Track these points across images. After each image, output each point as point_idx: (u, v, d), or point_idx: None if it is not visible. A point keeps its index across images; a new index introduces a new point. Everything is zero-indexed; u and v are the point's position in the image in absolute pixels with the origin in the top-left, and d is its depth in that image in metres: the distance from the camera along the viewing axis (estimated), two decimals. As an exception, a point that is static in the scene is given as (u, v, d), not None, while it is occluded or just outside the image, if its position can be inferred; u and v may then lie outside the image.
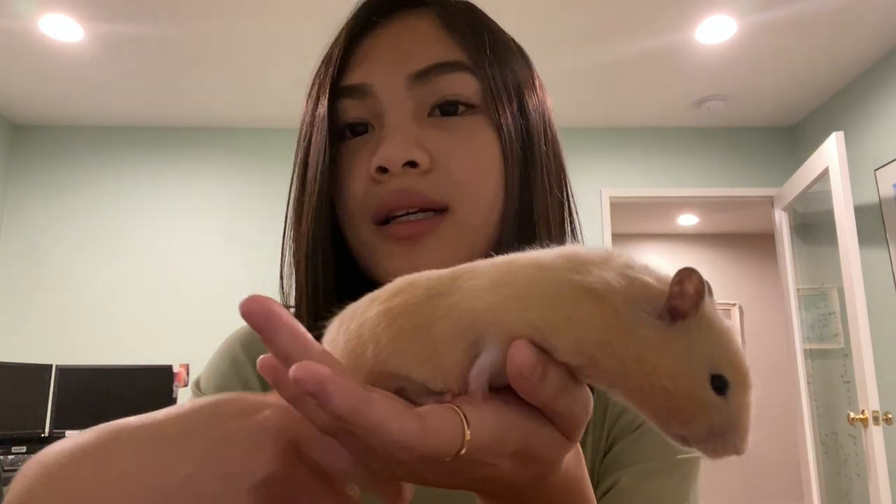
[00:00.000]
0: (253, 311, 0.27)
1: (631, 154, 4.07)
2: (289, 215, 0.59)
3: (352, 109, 0.55)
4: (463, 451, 0.28)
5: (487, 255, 0.33)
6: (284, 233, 0.59)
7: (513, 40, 0.61)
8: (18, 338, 3.76)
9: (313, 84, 0.59)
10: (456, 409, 0.28)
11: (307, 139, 0.57)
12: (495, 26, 0.60)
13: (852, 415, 2.78)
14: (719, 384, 0.28)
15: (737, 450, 0.29)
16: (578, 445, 0.38)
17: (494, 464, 0.30)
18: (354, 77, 0.56)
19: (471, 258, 0.34)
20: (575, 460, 0.37)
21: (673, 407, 0.29)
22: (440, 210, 0.53)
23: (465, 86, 0.54)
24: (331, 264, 0.55)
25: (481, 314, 0.29)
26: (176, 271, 3.88)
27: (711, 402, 0.28)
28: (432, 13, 0.58)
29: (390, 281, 0.34)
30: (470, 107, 0.55)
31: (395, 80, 0.54)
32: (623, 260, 0.30)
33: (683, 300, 0.28)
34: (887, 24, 3.01)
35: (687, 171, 4.05)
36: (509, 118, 0.55)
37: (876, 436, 2.64)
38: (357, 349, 0.32)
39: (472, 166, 0.54)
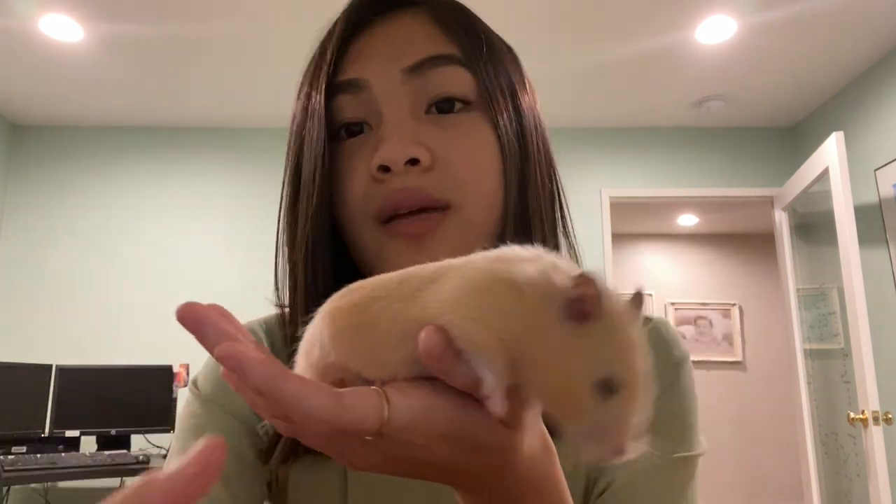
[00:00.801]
0: (185, 316, 0.29)
1: (631, 154, 4.07)
2: (282, 218, 0.58)
3: (347, 106, 0.55)
4: (384, 429, 0.29)
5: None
6: (278, 235, 0.59)
7: (503, 41, 0.61)
8: (18, 338, 3.76)
9: (302, 84, 0.58)
10: (379, 390, 0.30)
11: (298, 140, 0.57)
12: (486, 27, 0.60)
13: (852, 415, 2.78)
14: (609, 387, 0.29)
15: (603, 455, 0.29)
16: (550, 441, 0.38)
17: (426, 444, 0.31)
18: (348, 74, 0.55)
19: None
20: (543, 454, 0.37)
21: (558, 405, 0.30)
22: (442, 208, 0.53)
23: (459, 80, 0.55)
24: (329, 266, 0.55)
25: (427, 320, 0.31)
26: (176, 271, 3.88)
27: (588, 405, 0.29)
28: (425, 12, 0.58)
29: None
30: (466, 104, 0.55)
31: (390, 75, 0.54)
32: (550, 259, 0.31)
33: (584, 303, 0.29)
34: (887, 24, 3.00)
35: (687, 171, 4.05)
36: (505, 115, 0.55)
37: (876, 436, 2.64)
38: (309, 350, 0.35)
39: (472, 163, 0.54)
